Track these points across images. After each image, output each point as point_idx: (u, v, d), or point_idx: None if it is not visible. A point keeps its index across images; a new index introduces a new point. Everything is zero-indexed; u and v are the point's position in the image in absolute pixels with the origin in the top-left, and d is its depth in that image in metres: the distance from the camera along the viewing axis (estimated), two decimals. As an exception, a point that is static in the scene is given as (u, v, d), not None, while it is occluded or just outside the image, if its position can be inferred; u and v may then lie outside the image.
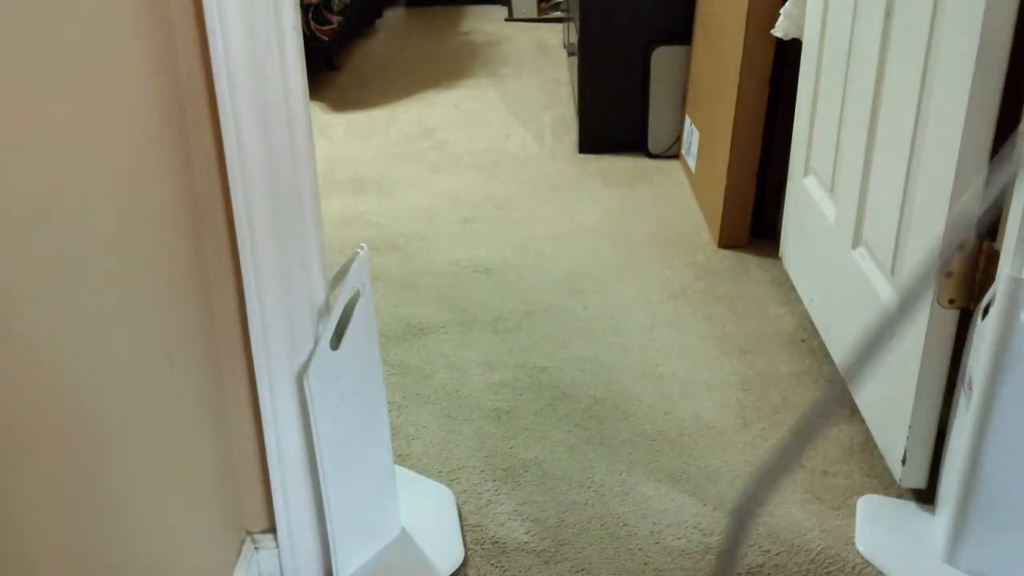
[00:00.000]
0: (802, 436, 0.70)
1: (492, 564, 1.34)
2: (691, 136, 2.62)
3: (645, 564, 1.33)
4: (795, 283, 2.00)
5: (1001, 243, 1.19)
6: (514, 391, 1.73)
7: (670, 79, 2.76)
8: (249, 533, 1.28)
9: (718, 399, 1.69)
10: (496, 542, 1.38)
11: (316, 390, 1.16)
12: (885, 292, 1.45)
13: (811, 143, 1.86)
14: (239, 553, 1.24)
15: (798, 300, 1.99)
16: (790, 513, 1.42)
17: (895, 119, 1.40)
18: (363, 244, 1.23)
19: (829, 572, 1.31)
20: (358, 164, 2.89)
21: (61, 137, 0.79)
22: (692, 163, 2.60)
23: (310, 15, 3.62)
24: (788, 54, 2.04)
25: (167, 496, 1.01)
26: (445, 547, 1.36)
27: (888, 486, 1.46)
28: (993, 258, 1.21)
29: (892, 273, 1.43)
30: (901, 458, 1.38)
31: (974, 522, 1.24)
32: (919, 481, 1.40)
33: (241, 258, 1.09)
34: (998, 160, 1.12)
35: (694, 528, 1.39)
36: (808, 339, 1.86)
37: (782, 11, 1.93)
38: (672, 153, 2.85)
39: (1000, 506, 1.22)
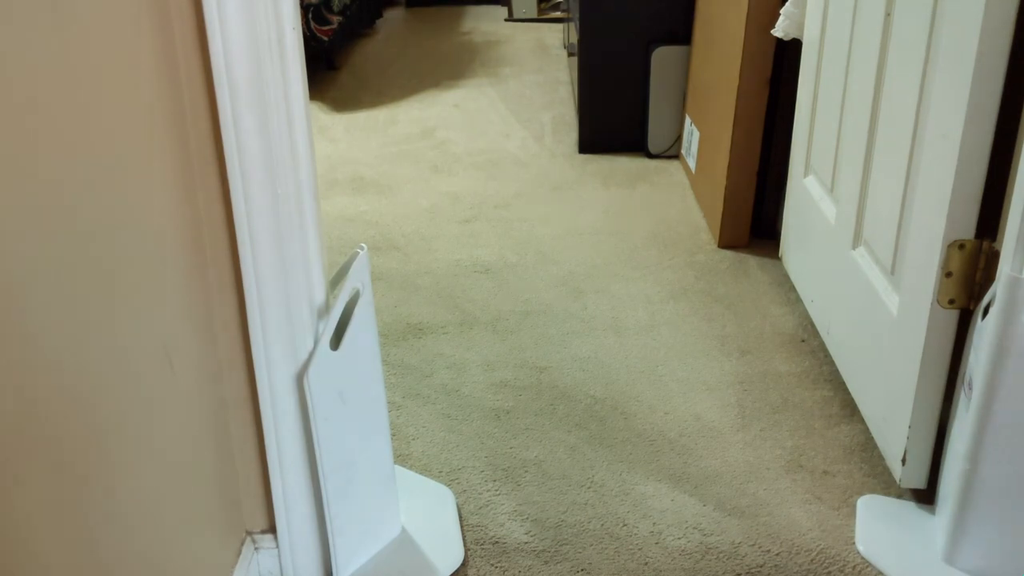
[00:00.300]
0: None
1: (492, 564, 1.34)
2: (691, 136, 2.62)
3: (645, 564, 1.33)
4: (795, 283, 2.00)
5: (1001, 243, 1.19)
6: (514, 391, 1.73)
7: (670, 79, 2.76)
8: (249, 533, 1.28)
9: (718, 399, 1.69)
10: (496, 542, 1.38)
11: (316, 390, 1.16)
12: (885, 292, 1.45)
13: (811, 143, 1.86)
14: (239, 553, 1.24)
15: (798, 300, 1.99)
16: (790, 513, 1.42)
17: (895, 119, 1.40)
18: (363, 244, 1.23)
19: (829, 572, 1.31)
20: (358, 164, 2.89)
21: (60, 138, 0.79)
22: (692, 163, 2.60)
23: (310, 15, 3.62)
24: (788, 54, 2.05)
25: (167, 496, 1.01)
26: (445, 547, 1.36)
27: (888, 486, 1.46)
28: (993, 258, 1.21)
29: (892, 273, 1.43)
30: (901, 458, 1.38)
31: (974, 522, 1.24)
32: (919, 481, 1.40)
33: (241, 258, 1.09)
34: None
35: (694, 528, 1.39)
36: (808, 339, 1.86)
37: (782, 11, 1.93)
38: (672, 153, 2.85)
39: (1000, 506, 1.22)
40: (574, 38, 3.09)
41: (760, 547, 1.36)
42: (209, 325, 1.13)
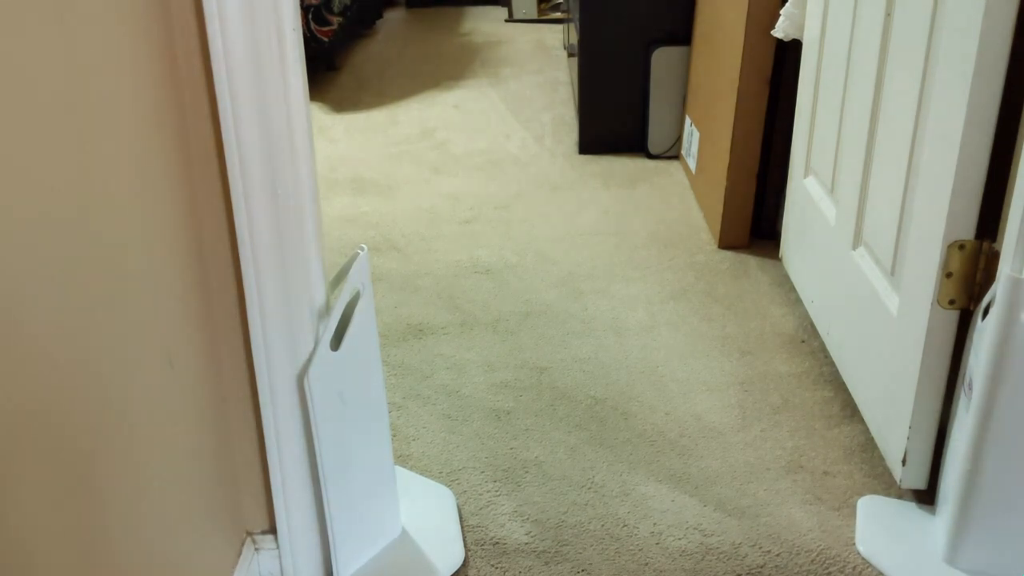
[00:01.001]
0: None
1: (492, 565, 1.34)
2: (691, 136, 2.62)
3: (645, 565, 1.33)
4: (795, 284, 2.00)
5: (1001, 243, 1.19)
6: (514, 392, 1.73)
7: (670, 79, 2.76)
8: (249, 534, 1.28)
9: (718, 400, 1.69)
10: (496, 543, 1.38)
11: (316, 391, 1.16)
12: (885, 293, 1.45)
13: (811, 143, 1.86)
14: (239, 554, 1.24)
15: (798, 301, 1.99)
16: (791, 514, 1.42)
17: (895, 119, 1.40)
18: (363, 245, 1.23)
19: (829, 572, 1.31)
20: (358, 164, 2.89)
21: (61, 139, 0.79)
22: (692, 163, 2.60)
23: (310, 16, 3.62)
24: (788, 54, 2.05)
25: (167, 497, 1.01)
26: (445, 548, 1.36)
27: (889, 487, 1.46)
28: (993, 258, 1.21)
29: (892, 273, 1.43)
30: (901, 458, 1.38)
31: (974, 522, 1.24)
32: (919, 482, 1.40)
33: (241, 259, 1.09)
34: None
35: (694, 529, 1.39)
36: (808, 340, 1.86)
37: (782, 12, 1.93)
38: (672, 154, 2.85)
39: (1000, 506, 1.22)
40: (574, 38, 3.09)
41: (761, 548, 1.36)
42: (209, 325, 1.13)
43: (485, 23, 4.78)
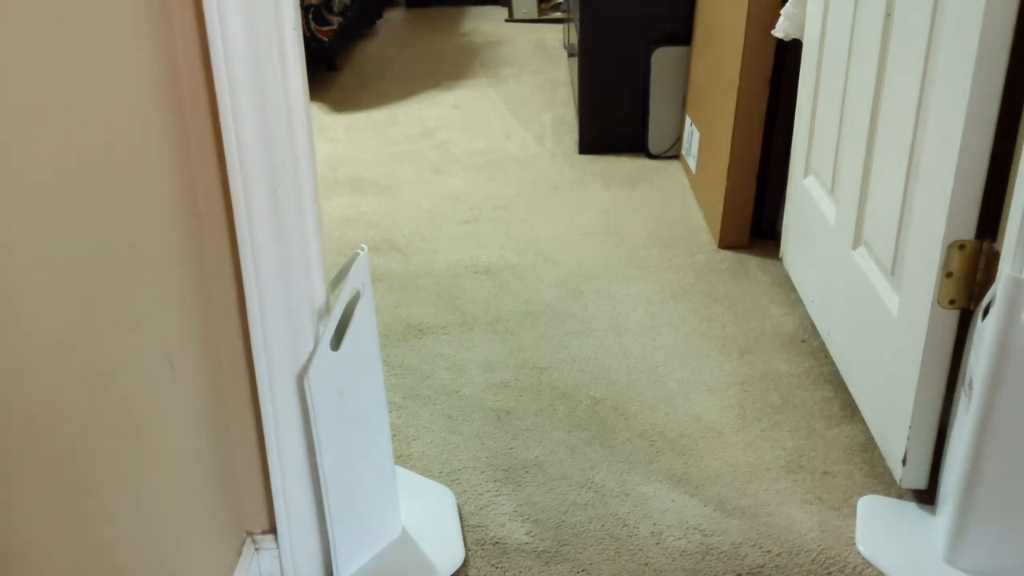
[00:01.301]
0: None
1: (492, 565, 1.34)
2: (691, 136, 2.62)
3: (645, 565, 1.33)
4: (795, 284, 2.00)
5: (1001, 243, 1.19)
6: (514, 391, 1.73)
7: (670, 79, 2.76)
8: (249, 534, 1.28)
9: (718, 400, 1.69)
10: (496, 543, 1.38)
11: (316, 390, 1.16)
12: (885, 292, 1.45)
13: (811, 143, 1.86)
14: (239, 554, 1.24)
15: (798, 301, 1.99)
16: (791, 514, 1.42)
17: (895, 119, 1.40)
18: (363, 244, 1.23)
19: (830, 572, 1.31)
20: (358, 164, 2.89)
21: (59, 140, 0.79)
22: (692, 163, 2.60)
23: (310, 16, 3.62)
24: (788, 54, 2.05)
25: (167, 496, 1.01)
26: (445, 548, 1.36)
27: (889, 486, 1.46)
28: (993, 258, 1.21)
29: (892, 273, 1.43)
30: (901, 458, 1.38)
31: (974, 522, 1.24)
32: (919, 481, 1.40)
33: (241, 258, 1.09)
34: None
35: (695, 529, 1.39)
36: (808, 340, 1.86)
37: (782, 12, 1.93)
38: (672, 153, 2.85)
39: (1000, 506, 1.22)
40: (574, 38, 3.09)
41: (761, 547, 1.36)
42: (209, 325, 1.13)
43: (485, 23, 4.78)
